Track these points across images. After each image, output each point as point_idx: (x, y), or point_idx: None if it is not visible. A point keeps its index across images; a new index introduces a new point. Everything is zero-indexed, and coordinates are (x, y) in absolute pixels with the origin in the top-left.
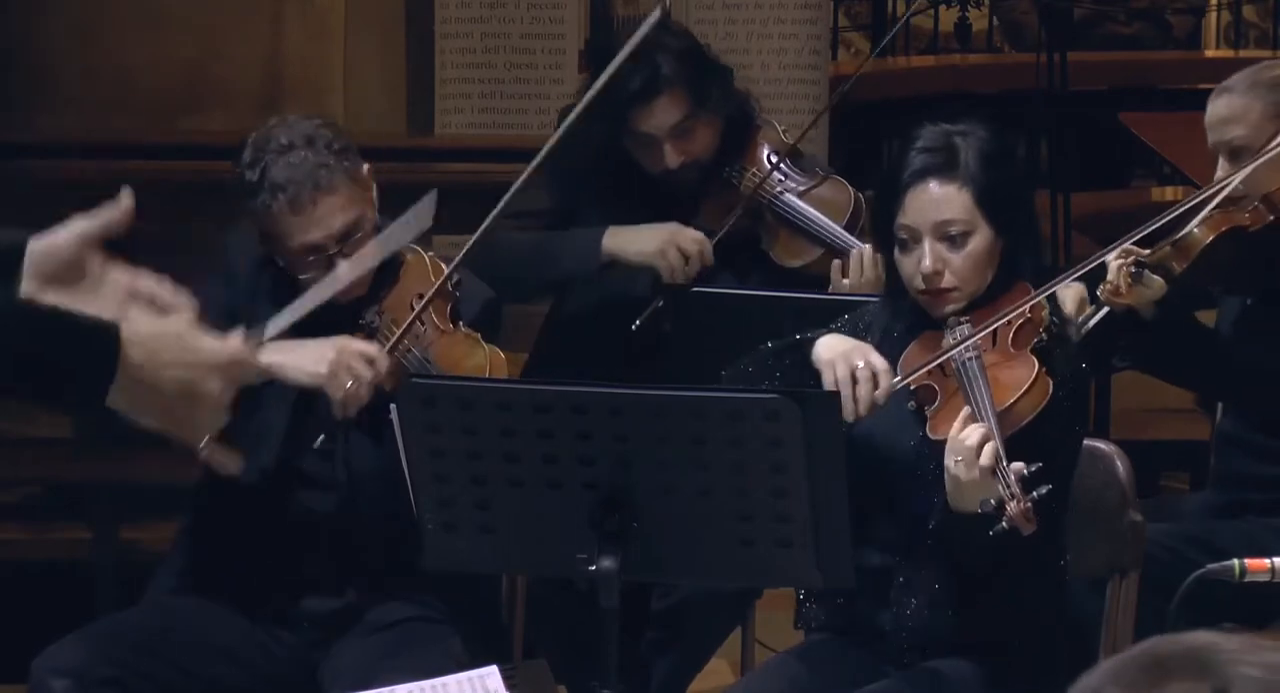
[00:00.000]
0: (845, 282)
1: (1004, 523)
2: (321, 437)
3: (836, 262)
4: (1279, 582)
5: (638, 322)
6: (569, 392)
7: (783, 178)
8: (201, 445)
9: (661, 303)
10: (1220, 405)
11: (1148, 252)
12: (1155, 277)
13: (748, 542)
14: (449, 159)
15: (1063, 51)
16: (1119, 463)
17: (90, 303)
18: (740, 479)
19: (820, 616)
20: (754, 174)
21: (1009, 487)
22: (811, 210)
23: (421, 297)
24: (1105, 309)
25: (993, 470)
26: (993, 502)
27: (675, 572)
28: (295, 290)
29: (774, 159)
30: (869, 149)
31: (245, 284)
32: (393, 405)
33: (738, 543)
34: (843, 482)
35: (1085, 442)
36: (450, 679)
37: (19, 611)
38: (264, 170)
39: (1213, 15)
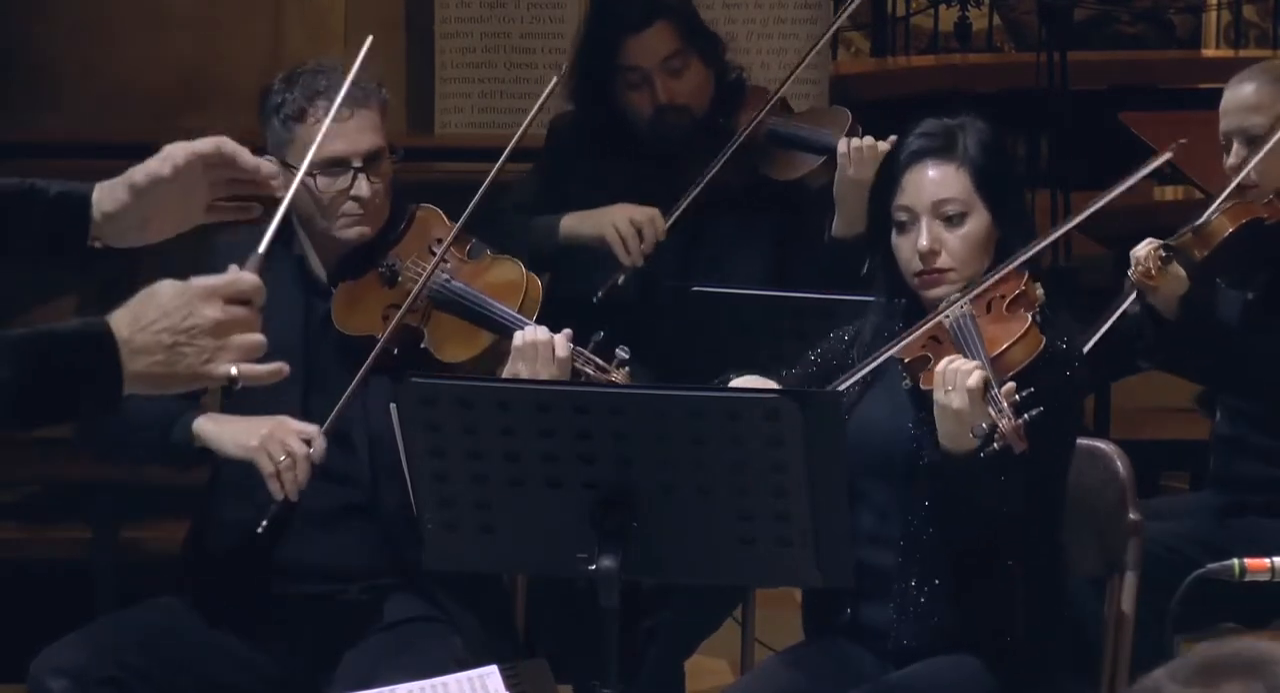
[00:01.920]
0: (850, 172)
1: (996, 443)
2: (264, 522)
3: (841, 147)
4: (1279, 581)
5: (597, 295)
6: (569, 391)
7: (777, 116)
8: (233, 373)
9: (622, 278)
10: (1219, 406)
11: (1171, 240)
12: (1179, 266)
13: (748, 541)
14: (448, 158)
15: (1063, 51)
16: (1119, 462)
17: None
18: (740, 478)
19: (826, 616)
20: (748, 117)
21: (1000, 407)
22: (806, 125)
23: (440, 241)
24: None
25: (983, 394)
26: (984, 426)
27: (675, 571)
28: (293, 299)
29: (764, 105)
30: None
31: None
32: (393, 405)
33: (738, 542)
34: (843, 481)
35: (1086, 441)
36: (450, 679)
37: (18, 610)
38: (300, 85)
39: (1213, 15)
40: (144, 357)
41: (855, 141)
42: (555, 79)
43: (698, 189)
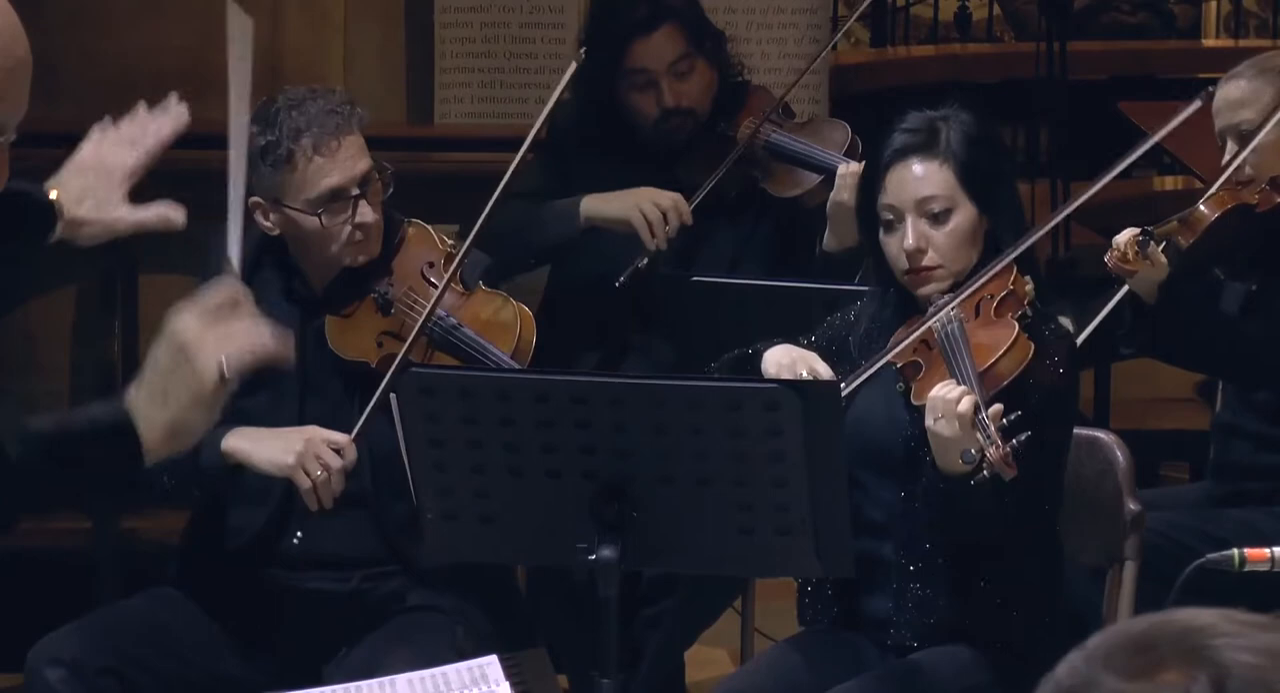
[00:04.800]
0: (845, 196)
1: (985, 470)
2: (298, 533)
3: (840, 168)
4: (1279, 571)
5: (620, 279)
6: (568, 381)
7: (777, 125)
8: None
9: (645, 261)
10: (1220, 395)
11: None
12: (1159, 252)
13: (747, 531)
14: (448, 149)
15: (1063, 41)
16: (1118, 453)
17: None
18: (739, 469)
19: (820, 607)
20: (749, 124)
21: (988, 434)
22: (806, 141)
23: (432, 265)
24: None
25: (972, 421)
26: (973, 452)
27: (675, 561)
28: (288, 315)
29: (766, 111)
30: (868, 139)
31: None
32: (393, 395)
33: (737, 532)
34: (842, 471)
35: (1085, 431)
36: (450, 669)
37: (17, 600)
38: (280, 126)
39: (1213, 4)
40: (148, 407)
41: (854, 167)
42: (575, 65)
43: (714, 181)
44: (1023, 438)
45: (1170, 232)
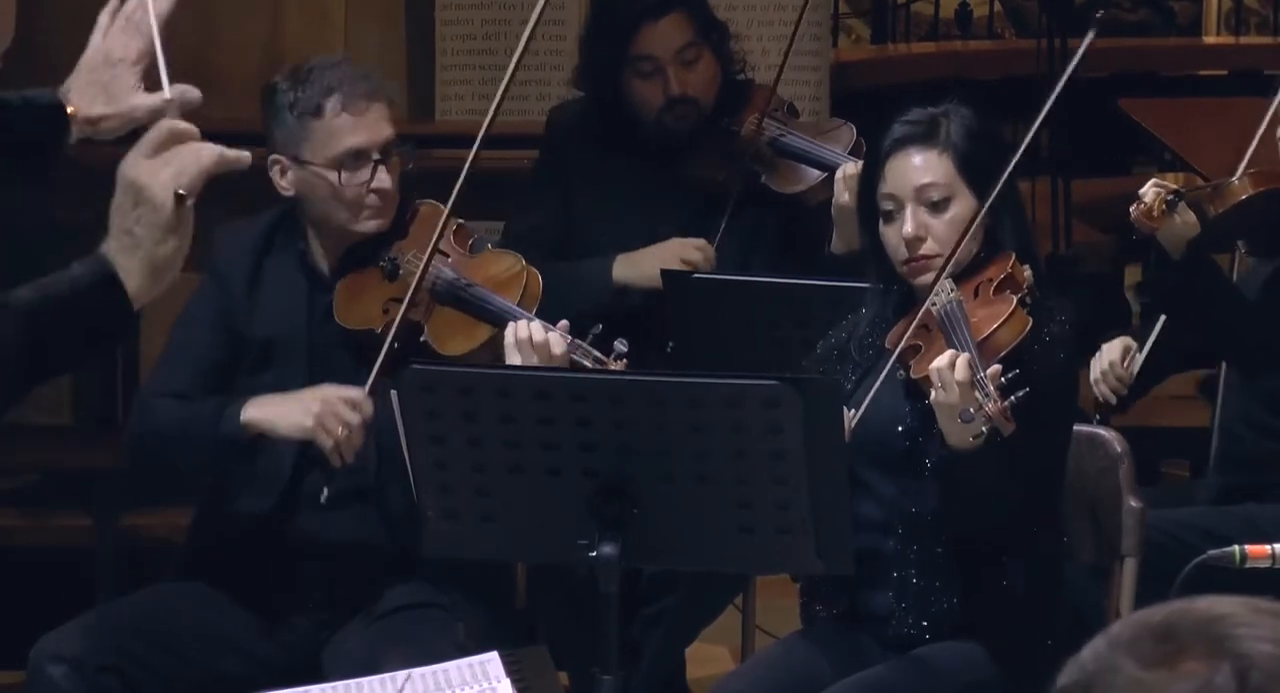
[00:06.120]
0: (844, 198)
1: (983, 426)
2: (325, 491)
3: (838, 172)
4: (1279, 568)
5: (669, 346)
6: (569, 378)
7: (781, 123)
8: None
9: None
10: (1221, 386)
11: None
12: (1189, 211)
13: (747, 529)
14: (449, 146)
15: (1063, 38)
16: (1119, 449)
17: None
18: (740, 466)
19: (822, 603)
20: (753, 120)
21: (986, 391)
22: (811, 139)
23: (442, 236)
24: (1145, 352)
25: (970, 381)
26: (971, 410)
27: (675, 559)
28: (296, 292)
29: (770, 109)
30: (870, 136)
31: (239, 284)
32: (394, 392)
33: (737, 530)
34: (842, 469)
35: (1086, 428)
36: (451, 665)
37: (19, 598)
38: (312, 82)
39: (1213, 1)
40: (123, 256)
41: (850, 169)
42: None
43: (731, 206)
44: (1020, 394)
45: (1200, 197)
